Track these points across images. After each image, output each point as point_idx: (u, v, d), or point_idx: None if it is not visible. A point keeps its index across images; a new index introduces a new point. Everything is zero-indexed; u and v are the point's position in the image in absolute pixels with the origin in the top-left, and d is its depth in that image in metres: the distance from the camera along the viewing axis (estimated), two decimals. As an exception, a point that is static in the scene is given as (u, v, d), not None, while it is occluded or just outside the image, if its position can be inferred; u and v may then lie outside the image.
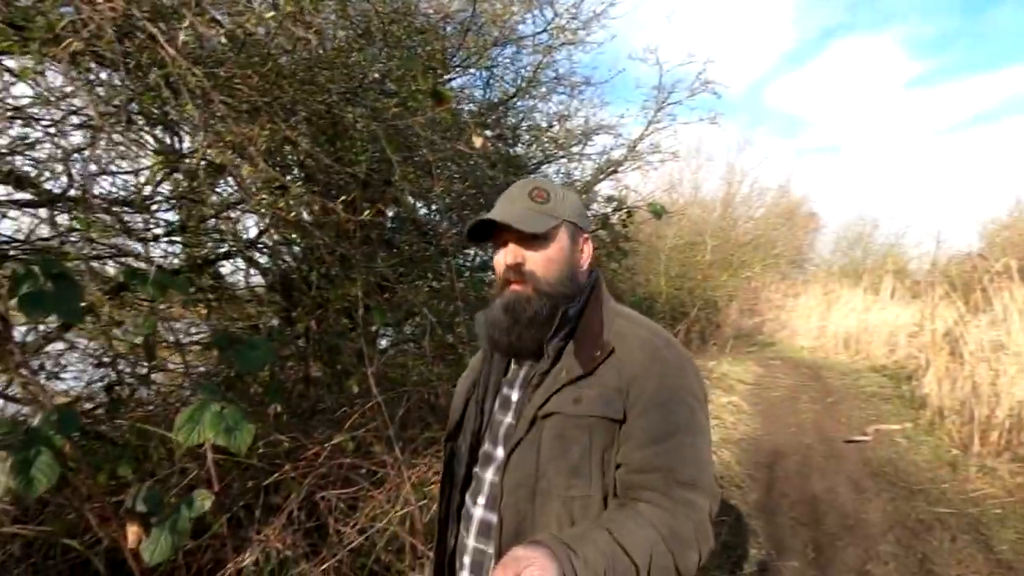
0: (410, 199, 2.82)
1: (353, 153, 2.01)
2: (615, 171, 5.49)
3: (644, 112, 5.20)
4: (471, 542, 1.00)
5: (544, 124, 5.13)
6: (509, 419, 1.02)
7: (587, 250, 1.05)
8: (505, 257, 1.00)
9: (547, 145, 5.07)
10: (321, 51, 1.90)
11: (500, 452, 1.00)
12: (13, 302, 1.01)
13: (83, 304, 0.79)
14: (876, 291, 12.03)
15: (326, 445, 1.89)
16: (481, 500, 1.00)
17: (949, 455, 4.57)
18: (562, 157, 5.25)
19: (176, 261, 2.52)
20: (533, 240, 0.98)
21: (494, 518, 0.95)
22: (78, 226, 1.74)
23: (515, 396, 1.03)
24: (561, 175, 5.28)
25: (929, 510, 3.57)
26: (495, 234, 1.02)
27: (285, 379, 2.68)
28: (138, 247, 2.26)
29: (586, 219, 1.07)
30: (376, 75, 2.16)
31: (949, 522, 3.39)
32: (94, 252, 2.13)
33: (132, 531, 0.79)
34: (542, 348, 0.98)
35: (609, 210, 3.78)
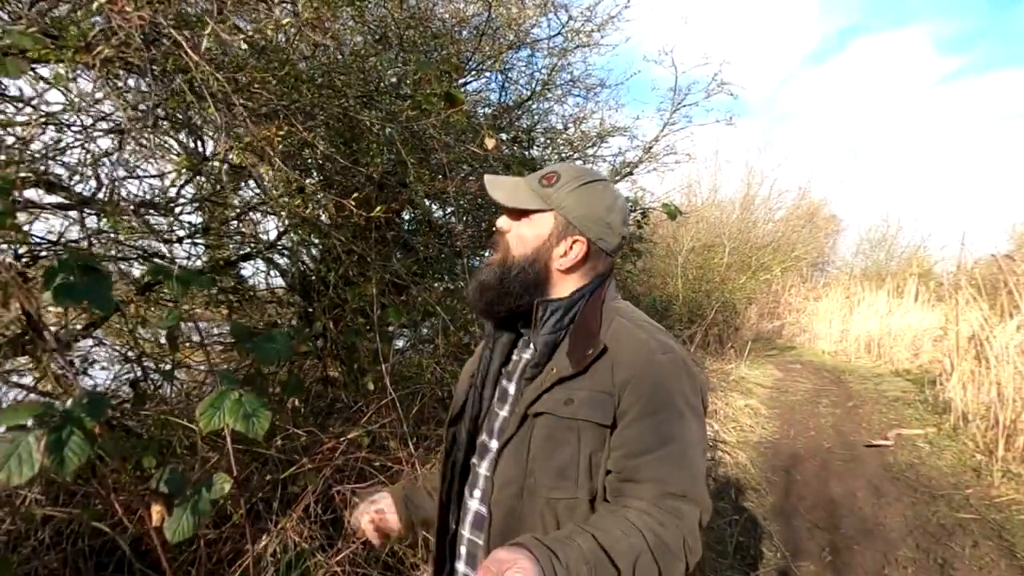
0: (425, 201, 2.87)
1: (369, 156, 2.06)
2: (630, 173, 5.50)
3: (660, 114, 5.21)
4: (466, 533, 1.02)
5: (560, 126, 5.17)
6: (504, 412, 1.02)
7: (573, 253, 0.98)
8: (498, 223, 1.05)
9: (562, 147, 5.10)
10: (339, 56, 1.95)
11: (494, 444, 1.00)
12: (46, 297, 1.07)
13: (112, 296, 0.84)
14: (900, 294, 11.81)
15: (342, 440, 1.94)
16: (476, 493, 1.01)
17: (973, 460, 4.48)
18: (577, 159, 5.27)
19: (199, 262, 2.60)
20: (517, 216, 1.01)
21: (485, 511, 0.96)
22: (107, 228, 1.81)
23: (512, 389, 1.03)
24: (576, 177, 5.30)
25: (951, 515, 3.51)
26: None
27: (304, 377, 2.74)
28: (163, 248, 2.33)
29: (590, 225, 0.98)
30: (392, 79, 2.21)
31: (971, 528, 3.33)
32: (121, 253, 2.21)
33: (156, 511, 0.83)
34: (496, 314, 1.01)
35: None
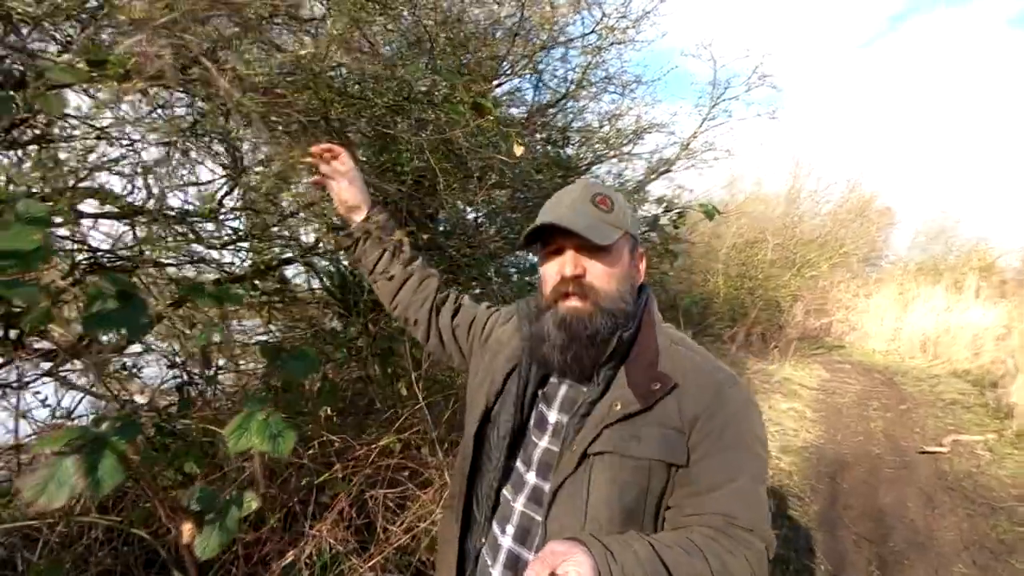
0: (459, 204, 2.88)
1: (399, 164, 2.08)
2: (667, 170, 5.39)
3: (698, 109, 5.08)
4: (496, 573, 0.94)
5: (596, 124, 5.11)
6: (546, 443, 0.94)
7: (642, 266, 0.99)
8: (563, 267, 0.91)
9: (598, 146, 5.04)
10: (370, 66, 1.98)
11: (532, 478, 0.94)
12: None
13: (146, 321, 0.87)
14: (959, 289, 11.22)
15: (374, 446, 1.97)
16: (510, 529, 0.94)
17: (1038, 470, 4.23)
18: (613, 157, 5.21)
19: (245, 265, 2.69)
20: (597, 251, 0.90)
21: (526, 554, 0.90)
22: (151, 238, 1.89)
23: (553, 417, 0.95)
24: (612, 175, 5.25)
25: (1012, 530, 3.32)
26: (549, 239, 0.94)
27: (344, 378, 2.80)
28: (211, 253, 2.43)
29: (638, 234, 1.00)
30: (423, 87, 2.22)
31: (1035, 544, 3.14)
32: (170, 259, 2.31)
33: (187, 529, 0.86)
34: (594, 371, 0.91)
35: (659, 211, 3.71)
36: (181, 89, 1.20)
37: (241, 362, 2.66)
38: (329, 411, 2.01)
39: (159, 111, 1.72)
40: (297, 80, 1.52)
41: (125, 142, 2.25)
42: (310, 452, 1.92)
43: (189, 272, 2.49)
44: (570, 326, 0.89)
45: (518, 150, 1.88)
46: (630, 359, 0.91)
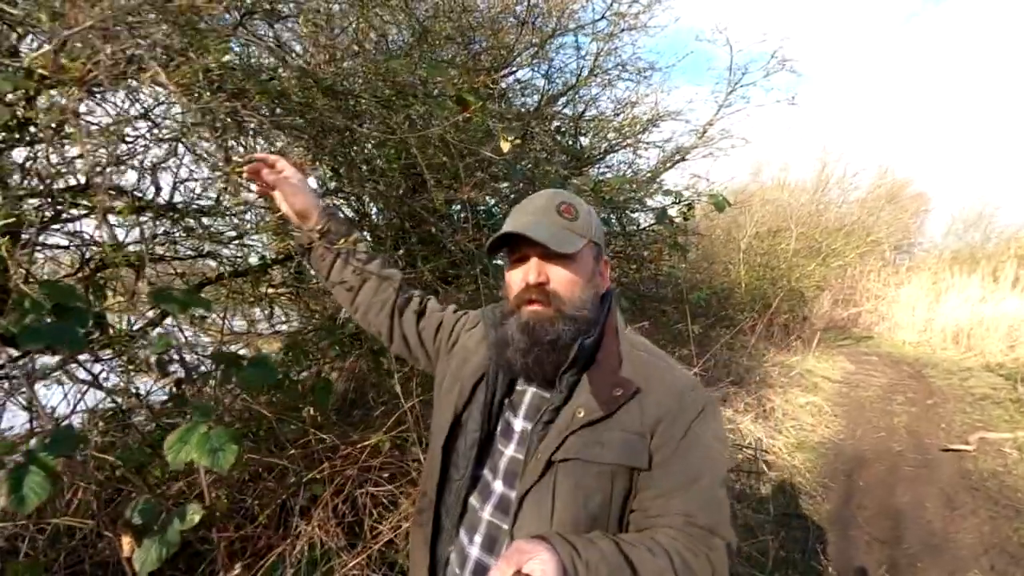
0: (465, 200, 2.85)
1: (389, 161, 2.06)
2: (683, 159, 5.26)
3: (714, 96, 4.93)
4: None
5: (608, 113, 5.01)
6: (512, 451, 0.95)
7: (607, 273, 1.00)
8: (527, 275, 0.92)
9: (611, 135, 4.94)
10: (348, 63, 1.95)
11: (499, 486, 0.94)
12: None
13: (84, 333, 0.86)
14: (995, 279, 10.79)
15: (359, 446, 1.98)
16: (477, 539, 0.94)
17: (1070, 471, 4.05)
18: (627, 146, 5.10)
19: (252, 260, 2.72)
20: (560, 259, 0.92)
21: (494, 563, 0.88)
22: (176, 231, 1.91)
23: (519, 426, 0.96)
24: (625, 164, 5.14)
25: (1036, 534, 3.18)
26: (512, 248, 0.95)
27: (349, 370, 2.82)
28: (218, 249, 2.45)
29: (603, 242, 1.01)
30: (416, 80, 2.19)
31: (1059, 550, 3.01)
32: (180, 253, 2.34)
33: (126, 542, 0.86)
34: (556, 377, 0.91)
35: (668, 203, 3.62)
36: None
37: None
38: (312, 412, 2.01)
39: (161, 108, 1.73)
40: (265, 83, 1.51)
41: (129, 139, 2.28)
42: (300, 448, 1.93)
43: (212, 263, 2.51)
44: (533, 330, 0.90)
45: (505, 146, 1.84)
46: (593, 366, 0.92)
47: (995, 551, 3.00)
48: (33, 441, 0.78)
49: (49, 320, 0.84)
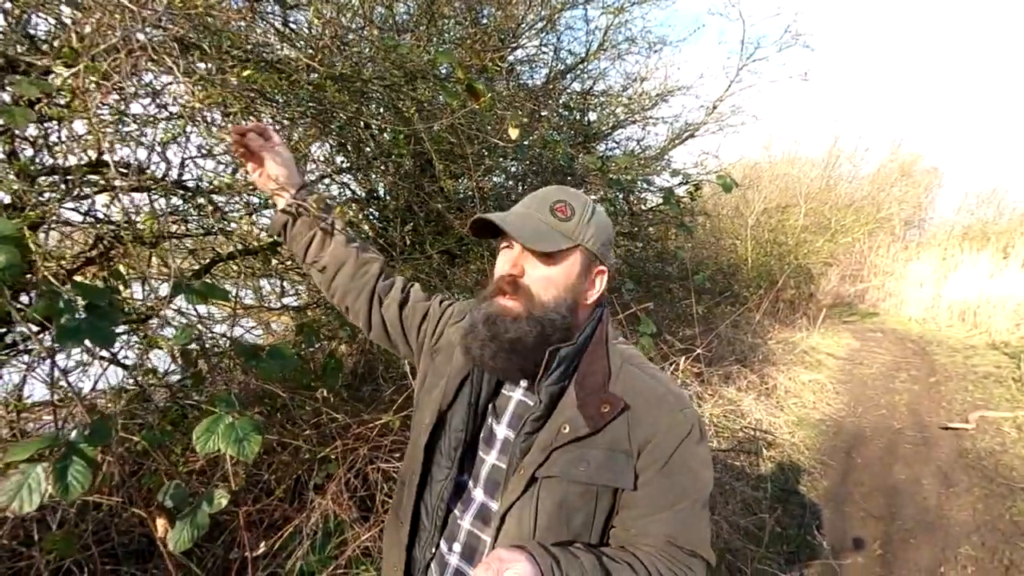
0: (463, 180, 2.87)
1: (396, 145, 2.08)
2: (692, 135, 5.22)
3: (725, 71, 4.87)
4: None
5: (618, 88, 4.95)
6: (493, 459, 0.93)
7: (598, 284, 0.93)
8: (505, 264, 0.90)
9: (619, 111, 4.90)
10: (355, 49, 1.96)
11: (479, 495, 0.93)
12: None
13: (115, 329, 0.91)
14: (1006, 256, 10.70)
15: (375, 424, 2.05)
16: (456, 547, 0.93)
17: (1067, 451, 4.11)
18: (635, 121, 5.06)
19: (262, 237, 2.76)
20: (542, 257, 0.88)
21: (471, 573, 0.89)
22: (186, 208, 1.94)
23: (502, 433, 0.94)
24: (634, 141, 5.11)
25: (1028, 512, 3.26)
26: (504, 234, 0.91)
27: (358, 346, 2.88)
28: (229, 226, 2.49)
29: (608, 250, 0.95)
30: (424, 64, 2.19)
31: (1050, 528, 3.08)
32: (190, 230, 2.38)
33: (160, 524, 0.93)
34: (519, 376, 0.90)
35: (675, 183, 3.62)
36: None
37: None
38: (326, 393, 2.08)
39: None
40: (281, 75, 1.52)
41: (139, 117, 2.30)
42: (313, 428, 2.01)
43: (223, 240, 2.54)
44: (493, 323, 0.88)
45: (513, 133, 1.85)
46: (578, 378, 0.89)
47: (987, 528, 3.08)
48: (74, 433, 0.84)
49: (82, 317, 0.89)
